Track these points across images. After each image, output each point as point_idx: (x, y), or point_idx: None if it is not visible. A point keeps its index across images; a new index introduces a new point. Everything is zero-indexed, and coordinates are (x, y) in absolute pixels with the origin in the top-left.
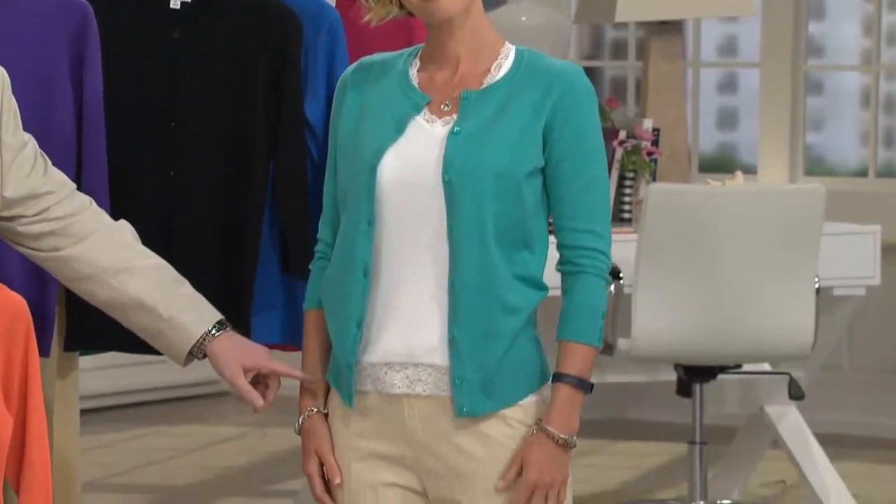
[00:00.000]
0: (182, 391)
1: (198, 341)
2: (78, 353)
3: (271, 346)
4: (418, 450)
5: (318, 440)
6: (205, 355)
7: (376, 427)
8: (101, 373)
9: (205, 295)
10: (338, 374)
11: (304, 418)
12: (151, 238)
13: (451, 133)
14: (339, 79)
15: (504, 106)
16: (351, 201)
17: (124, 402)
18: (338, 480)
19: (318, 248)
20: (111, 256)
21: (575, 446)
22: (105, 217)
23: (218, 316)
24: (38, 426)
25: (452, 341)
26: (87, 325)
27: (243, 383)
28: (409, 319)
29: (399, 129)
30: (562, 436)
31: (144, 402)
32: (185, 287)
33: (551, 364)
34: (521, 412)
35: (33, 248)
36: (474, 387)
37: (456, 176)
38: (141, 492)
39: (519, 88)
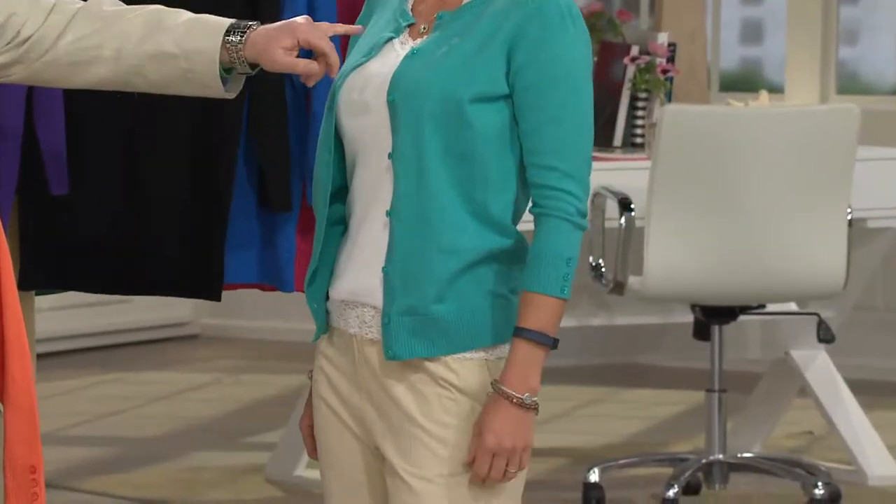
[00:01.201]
0: (148, 334)
1: (221, 56)
2: (34, 292)
3: (247, 287)
4: (362, 397)
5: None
6: (250, 64)
7: (341, 363)
8: (59, 314)
9: (174, 232)
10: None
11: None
12: (113, 168)
13: (409, 53)
14: None
15: (467, 26)
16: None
17: (84, 346)
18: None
19: None
20: (95, 30)
21: (536, 408)
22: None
23: (227, 22)
24: (15, 335)
25: (385, 278)
26: (44, 262)
27: (287, 61)
28: (359, 255)
29: (371, 52)
30: (517, 395)
31: (106, 346)
32: (182, 15)
33: None
34: (457, 375)
35: (14, 73)
36: (402, 328)
37: (399, 97)
38: (102, 444)
39: (489, 7)
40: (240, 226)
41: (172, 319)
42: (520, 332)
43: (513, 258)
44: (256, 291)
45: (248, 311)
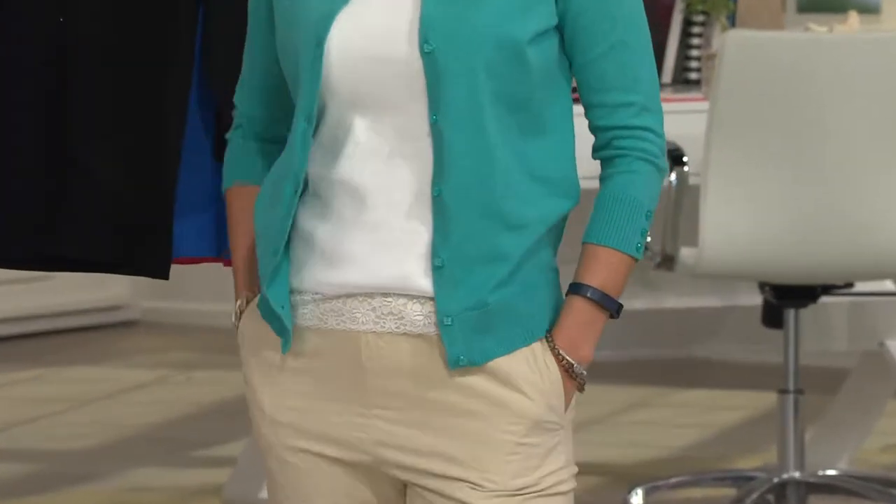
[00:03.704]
0: (75, 319)
1: None
2: None
3: (203, 261)
4: (370, 410)
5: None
6: None
7: (325, 373)
8: None
9: (106, 192)
10: (266, 310)
11: (240, 304)
12: (33, 111)
13: None
14: None
15: None
16: (294, 91)
17: None
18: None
19: (235, 116)
20: None
21: (582, 383)
22: None
23: None
24: None
25: (440, 269)
26: None
27: None
28: (373, 238)
29: None
30: (568, 359)
31: (24, 335)
32: None
33: None
34: (520, 368)
35: None
36: (467, 327)
37: (440, 45)
38: (18, 459)
39: None
40: (192, 186)
41: (106, 302)
42: (580, 289)
43: (565, 223)
44: (211, 268)
45: (200, 291)
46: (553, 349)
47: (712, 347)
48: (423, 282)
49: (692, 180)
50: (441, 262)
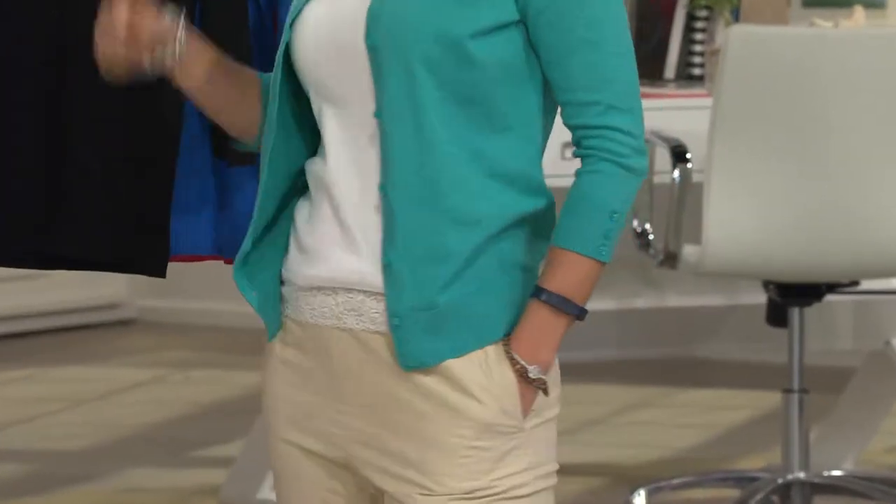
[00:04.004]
0: (70, 318)
1: None
2: None
3: (201, 259)
4: (340, 406)
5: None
6: None
7: (301, 368)
8: None
9: (106, 190)
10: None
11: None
12: (33, 111)
13: None
14: None
15: None
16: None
17: None
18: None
19: None
20: None
21: (544, 386)
22: None
23: None
24: None
25: (388, 267)
26: None
27: None
28: (344, 235)
29: None
30: (521, 362)
31: (17, 334)
32: None
33: None
34: (480, 372)
35: None
36: (417, 327)
37: (382, 40)
38: (13, 459)
39: None
40: (189, 183)
41: (102, 300)
42: (538, 293)
43: (543, 222)
44: (209, 266)
45: (197, 290)
46: (507, 353)
47: (714, 346)
48: (378, 279)
49: (695, 177)
50: (389, 260)
